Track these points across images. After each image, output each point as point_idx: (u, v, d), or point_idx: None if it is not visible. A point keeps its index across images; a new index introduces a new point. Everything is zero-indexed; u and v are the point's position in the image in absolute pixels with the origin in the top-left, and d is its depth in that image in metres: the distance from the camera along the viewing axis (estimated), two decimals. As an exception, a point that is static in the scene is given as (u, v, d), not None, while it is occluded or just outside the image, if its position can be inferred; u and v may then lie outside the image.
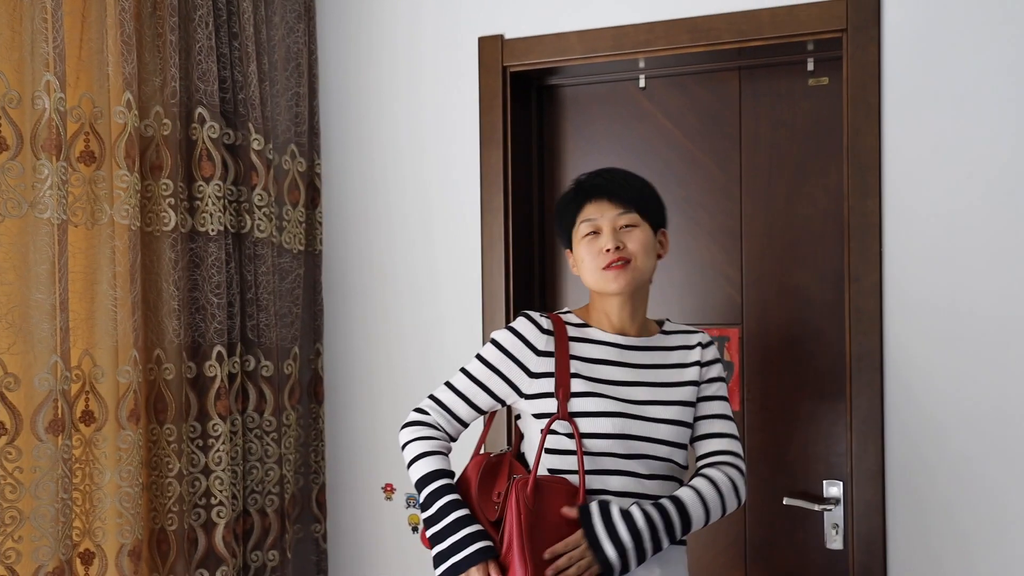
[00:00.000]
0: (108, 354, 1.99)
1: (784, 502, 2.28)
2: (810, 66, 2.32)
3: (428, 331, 2.53)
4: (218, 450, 2.21)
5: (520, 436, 1.82)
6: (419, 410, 1.76)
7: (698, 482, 1.70)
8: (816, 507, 2.24)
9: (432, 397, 1.77)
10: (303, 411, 2.58)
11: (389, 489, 2.58)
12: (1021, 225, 2.04)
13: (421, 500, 1.66)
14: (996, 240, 2.06)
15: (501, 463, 1.74)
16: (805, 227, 2.33)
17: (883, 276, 2.13)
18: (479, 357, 1.76)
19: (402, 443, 1.73)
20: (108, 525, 1.98)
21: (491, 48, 2.46)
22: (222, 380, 2.23)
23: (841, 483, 2.25)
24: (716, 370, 1.81)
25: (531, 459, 1.72)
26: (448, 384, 1.77)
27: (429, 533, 1.65)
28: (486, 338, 2.27)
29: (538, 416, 1.71)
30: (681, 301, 2.43)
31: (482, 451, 1.81)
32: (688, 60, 2.37)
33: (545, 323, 1.74)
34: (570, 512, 1.62)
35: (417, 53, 2.55)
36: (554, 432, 1.68)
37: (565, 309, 1.83)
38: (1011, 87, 2.05)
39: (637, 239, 1.72)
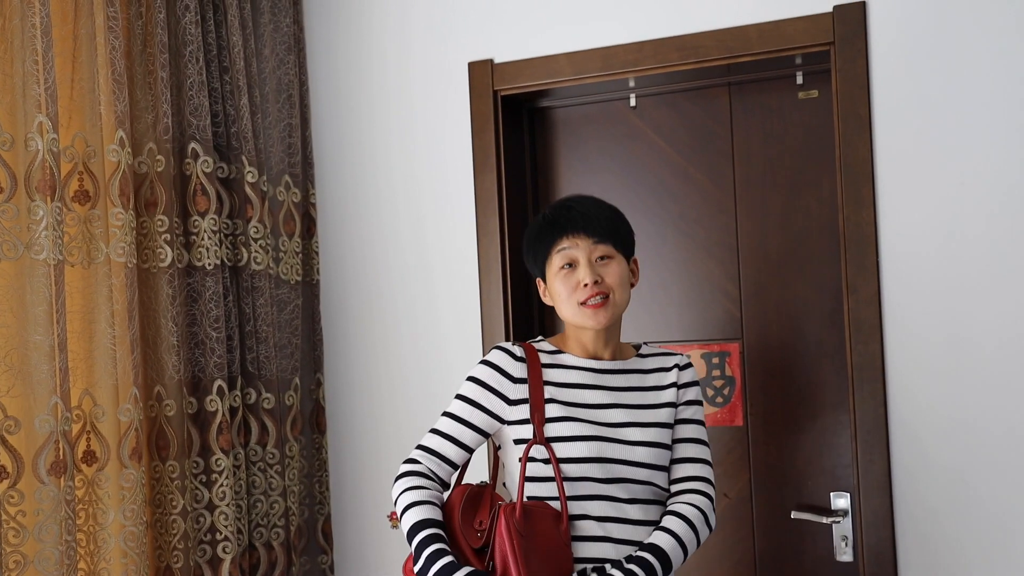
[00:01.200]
0: (108, 393, 1.99)
1: (792, 516, 2.27)
2: (799, 79, 2.33)
3: (428, 356, 2.53)
4: (222, 485, 2.20)
5: (498, 467, 1.84)
6: (410, 460, 1.76)
7: (671, 522, 1.68)
8: (824, 520, 2.23)
9: (420, 446, 1.77)
10: (306, 442, 2.56)
11: (394, 517, 2.55)
12: (1016, 231, 2.04)
13: (412, 549, 1.65)
14: (992, 247, 2.06)
15: (483, 494, 1.74)
16: (801, 239, 2.34)
17: (881, 286, 2.14)
18: (459, 396, 1.77)
19: (395, 495, 1.73)
20: (113, 566, 1.97)
21: (481, 72, 2.47)
22: (223, 414, 2.22)
23: (848, 494, 2.25)
24: (693, 393, 1.80)
25: (512, 488, 1.73)
26: (434, 430, 1.78)
27: (427, 573, 1.63)
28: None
29: (518, 442, 1.73)
30: (680, 317, 2.43)
31: (463, 482, 1.81)
32: (677, 78, 2.38)
33: (518, 351, 1.76)
34: None
35: (407, 80, 2.56)
36: (532, 459, 1.69)
37: (538, 338, 1.84)
38: (1001, 95, 2.06)
39: (614, 272, 1.72)
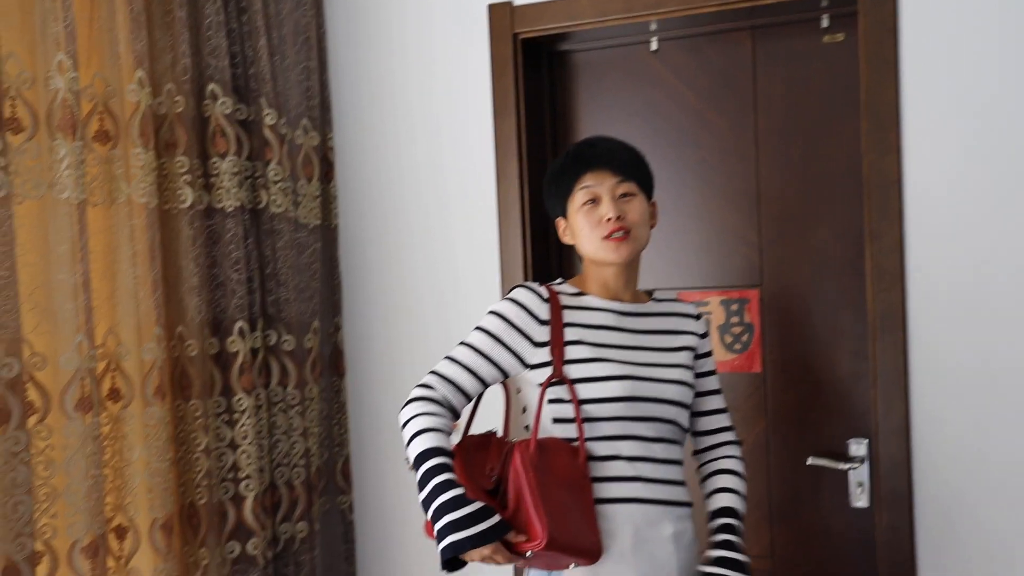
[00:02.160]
0: (132, 332, 2.01)
1: (808, 462, 2.28)
2: (824, 23, 2.29)
3: (446, 300, 2.54)
4: (244, 424, 2.22)
5: (511, 415, 1.80)
6: (423, 386, 1.69)
7: (733, 482, 1.81)
8: (841, 466, 2.24)
9: (435, 372, 1.71)
10: (325, 384, 2.59)
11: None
12: (1043, 176, 2.02)
13: (418, 477, 1.59)
14: (1018, 193, 2.04)
15: (489, 441, 1.71)
16: (822, 187, 2.32)
17: (904, 233, 2.12)
18: (481, 329, 1.72)
19: (404, 420, 1.65)
20: (139, 500, 2.00)
21: (501, 15, 2.44)
22: (245, 355, 2.24)
23: (866, 441, 2.25)
24: (709, 343, 1.87)
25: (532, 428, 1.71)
26: (451, 358, 1.72)
27: (429, 504, 1.56)
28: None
29: (542, 385, 1.70)
30: (699, 264, 2.42)
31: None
32: (700, 21, 2.35)
33: (544, 292, 1.73)
34: None
35: (427, 23, 2.53)
36: (560, 401, 1.68)
37: (558, 280, 1.81)
38: (1030, 37, 2.02)
39: (636, 209, 1.72)
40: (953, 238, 2.09)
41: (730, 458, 1.84)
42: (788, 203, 2.35)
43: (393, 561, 2.62)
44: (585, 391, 1.67)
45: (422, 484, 1.58)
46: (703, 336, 1.84)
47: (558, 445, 1.65)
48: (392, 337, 2.61)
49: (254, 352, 2.29)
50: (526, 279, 2.43)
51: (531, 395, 1.73)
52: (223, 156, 2.23)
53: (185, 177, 2.15)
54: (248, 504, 2.22)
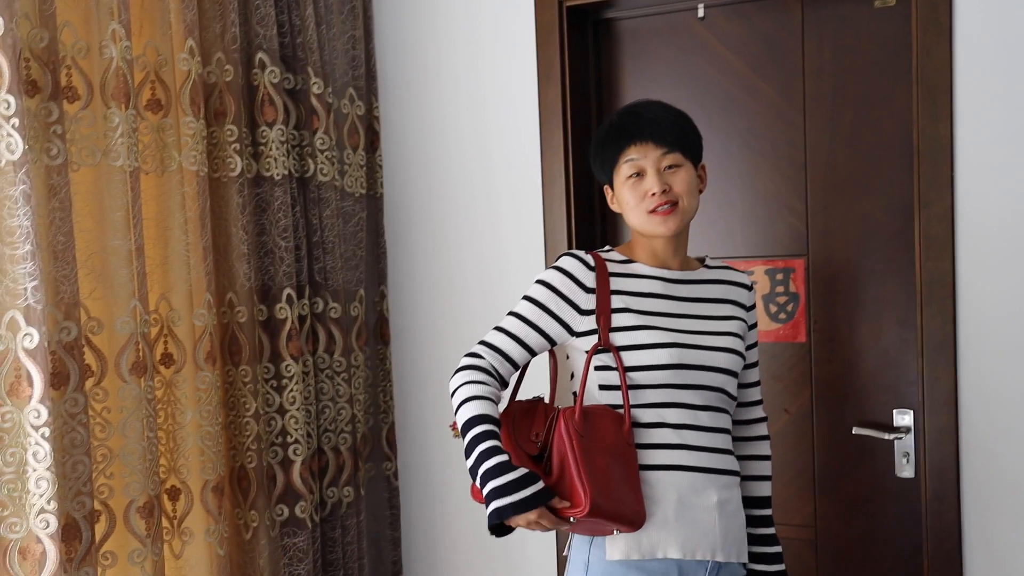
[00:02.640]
0: (183, 298, 2.04)
1: (853, 432, 2.27)
2: (876, -13, 2.25)
3: (490, 270, 2.55)
4: (292, 390, 2.26)
5: (556, 382, 1.81)
6: (472, 355, 1.70)
7: (766, 467, 1.85)
8: (887, 436, 2.23)
9: (483, 342, 1.72)
10: (370, 352, 2.62)
11: (456, 427, 2.61)
12: (1101, 143, 1.98)
13: (465, 444, 1.60)
14: (1074, 160, 2.00)
15: (536, 408, 1.71)
16: (871, 155, 2.29)
17: (955, 201, 2.09)
18: (528, 298, 1.73)
19: (453, 387, 1.67)
20: (192, 463, 2.05)
21: (546, -18, 2.42)
22: (293, 322, 2.27)
23: (912, 411, 2.24)
24: (755, 315, 1.86)
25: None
26: (499, 328, 1.73)
27: (476, 470, 1.58)
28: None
29: (588, 353, 1.71)
30: (745, 233, 2.41)
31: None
32: (749, -14, 2.32)
33: (590, 259, 1.73)
34: None
35: (471, -9, 2.53)
36: (608, 368, 1.68)
37: (606, 247, 1.81)
38: (1091, 0, 1.97)
39: (682, 180, 1.70)
40: (1005, 207, 2.05)
41: (764, 440, 1.86)
42: (836, 171, 2.32)
43: (436, 527, 2.66)
44: (631, 358, 1.67)
45: (469, 450, 1.60)
46: (750, 308, 1.83)
47: (603, 412, 1.65)
48: (436, 306, 2.63)
49: (301, 319, 2.32)
50: (570, 247, 2.44)
51: (579, 361, 1.74)
52: (271, 125, 2.25)
53: (234, 145, 2.18)
54: (296, 468, 2.26)
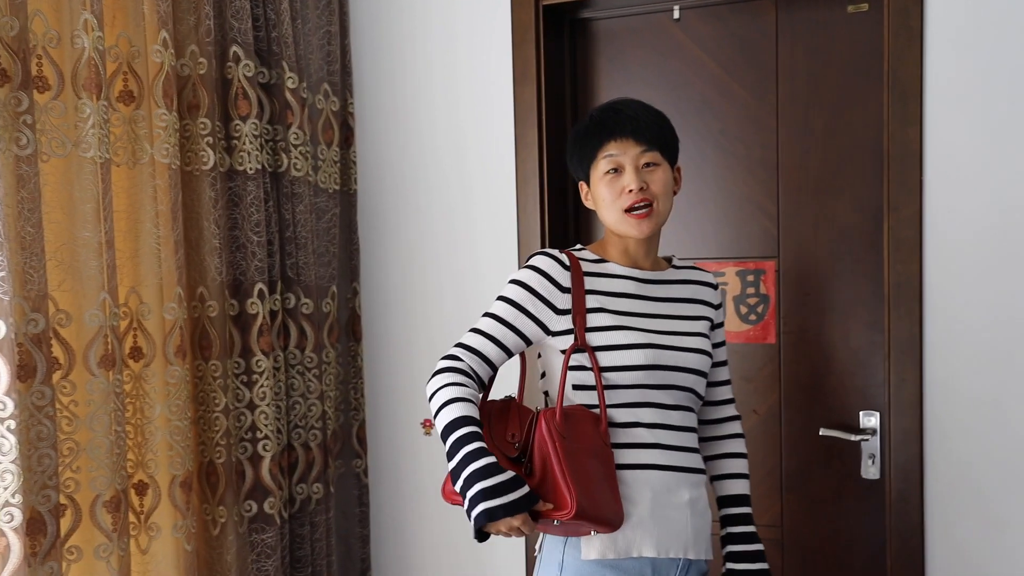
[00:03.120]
0: (154, 291, 2.03)
1: (820, 433, 2.30)
2: (849, -7, 2.28)
3: (464, 268, 2.55)
4: (262, 385, 2.25)
5: (524, 381, 1.82)
6: (450, 357, 1.68)
7: (744, 466, 1.86)
8: (853, 437, 2.26)
9: (460, 344, 1.69)
10: (342, 349, 2.61)
11: (428, 425, 2.62)
12: (1065, 151, 2.01)
13: (447, 446, 1.58)
14: (1039, 166, 2.03)
15: (509, 408, 1.70)
16: (843, 158, 2.31)
17: (923, 205, 2.12)
18: (503, 298, 1.71)
19: (433, 390, 1.64)
20: (160, 457, 2.04)
21: (523, -19, 2.43)
22: (264, 317, 2.26)
23: (878, 413, 2.27)
24: (723, 314, 1.88)
25: (554, 396, 1.71)
26: (475, 329, 1.71)
27: (460, 472, 1.56)
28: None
29: (564, 352, 1.70)
30: (717, 234, 2.43)
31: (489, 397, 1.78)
32: (724, -11, 2.34)
33: (565, 259, 1.72)
34: None
35: (448, -12, 2.53)
36: (582, 368, 1.68)
37: (578, 246, 1.80)
38: (1058, 9, 2.00)
39: (659, 180, 1.70)
40: (973, 211, 2.09)
41: (738, 437, 1.87)
42: (807, 174, 2.35)
43: (406, 525, 2.65)
44: (606, 359, 1.67)
45: (452, 452, 1.57)
46: (718, 307, 1.84)
47: (582, 413, 1.65)
48: (409, 303, 2.62)
49: (272, 314, 2.31)
50: (544, 246, 2.44)
51: (552, 361, 1.74)
52: (244, 119, 2.24)
53: (207, 139, 2.16)
54: (265, 464, 2.25)
